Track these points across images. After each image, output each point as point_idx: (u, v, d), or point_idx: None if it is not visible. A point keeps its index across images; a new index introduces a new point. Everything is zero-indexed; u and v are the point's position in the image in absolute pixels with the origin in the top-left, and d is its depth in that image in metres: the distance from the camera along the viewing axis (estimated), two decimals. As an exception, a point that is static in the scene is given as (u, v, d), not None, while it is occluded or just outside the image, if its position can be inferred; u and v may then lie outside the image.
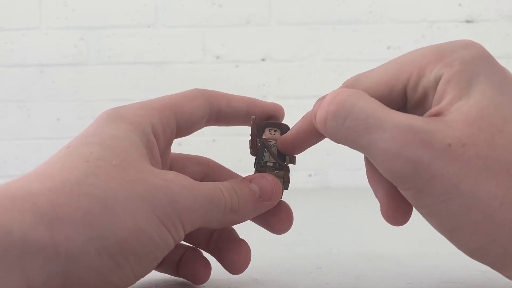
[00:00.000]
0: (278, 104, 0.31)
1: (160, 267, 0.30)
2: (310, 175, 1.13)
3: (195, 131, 0.30)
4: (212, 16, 1.15)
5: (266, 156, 0.28)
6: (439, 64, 0.23)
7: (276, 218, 0.29)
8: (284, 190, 0.29)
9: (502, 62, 0.24)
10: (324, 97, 0.25)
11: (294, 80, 1.14)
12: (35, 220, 0.20)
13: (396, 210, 0.25)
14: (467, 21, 1.12)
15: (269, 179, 0.27)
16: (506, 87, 0.23)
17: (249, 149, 0.29)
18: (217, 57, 1.15)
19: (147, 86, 1.15)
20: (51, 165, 0.23)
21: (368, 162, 0.27)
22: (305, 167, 1.12)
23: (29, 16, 1.16)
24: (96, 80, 1.16)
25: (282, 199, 0.29)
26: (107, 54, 1.16)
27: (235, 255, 0.29)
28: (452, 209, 0.21)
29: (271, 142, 0.28)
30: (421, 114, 0.24)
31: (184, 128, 0.28)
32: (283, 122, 0.30)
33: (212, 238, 0.30)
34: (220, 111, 0.29)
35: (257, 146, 0.28)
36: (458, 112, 0.22)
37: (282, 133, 0.29)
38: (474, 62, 0.23)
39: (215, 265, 0.31)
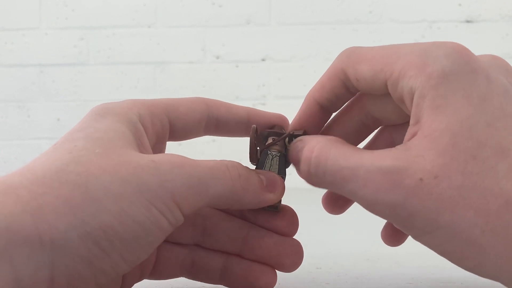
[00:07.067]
0: (283, 115, 0.30)
1: (196, 276, 0.29)
2: (310, 175, 1.13)
3: (193, 135, 0.29)
4: (212, 16, 1.15)
5: (267, 165, 0.28)
6: (419, 71, 0.22)
7: (282, 221, 0.28)
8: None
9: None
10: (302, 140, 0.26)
11: (294, 80, 1.14)
12: (19, 210, 0.19)
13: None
14: (467, 21, 1.12)
15: (275, 174, 0.27)
16: (488, 101, 0.21)
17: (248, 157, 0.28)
18: (217, 57, 1.15)
19: (147, 86, 1.15)
20: (35, 161, 0.23)
21: None
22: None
23: (29, 16, 1.16)
24: (96, 80, 1.16)
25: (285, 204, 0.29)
26: (107, 54, 1.16)
27: (278, 257, 0.28)
28: (436, 240, 0.22)
29: (274, 152, 0.28)
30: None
31: (179, 127, 0.28)
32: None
33: (247, 241, 0.28)
34: (219, 117, 0.29)
35: (256, 156, 0.28)
36: (432, 138, 0.21)
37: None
38: (453, 76, 0.22)
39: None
